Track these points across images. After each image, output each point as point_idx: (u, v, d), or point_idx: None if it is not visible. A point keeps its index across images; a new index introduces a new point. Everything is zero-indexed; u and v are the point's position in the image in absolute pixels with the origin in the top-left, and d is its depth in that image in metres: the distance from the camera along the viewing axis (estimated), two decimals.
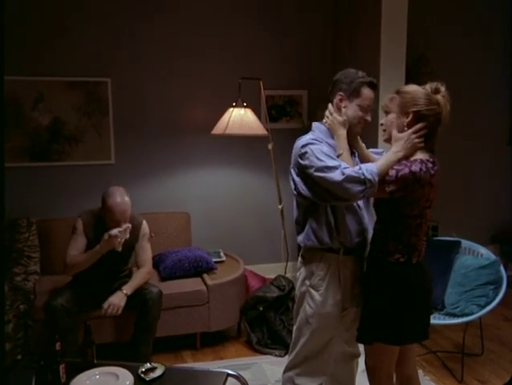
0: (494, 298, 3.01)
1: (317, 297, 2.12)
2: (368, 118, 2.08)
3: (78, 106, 3.83)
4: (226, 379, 2.18)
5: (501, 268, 3.12)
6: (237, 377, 2.25)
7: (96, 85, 3.85)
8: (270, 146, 3.81)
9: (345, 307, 2.13)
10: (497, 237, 4.89)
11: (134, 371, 2.13)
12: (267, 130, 3.77)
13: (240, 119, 3.62)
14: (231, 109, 3.67)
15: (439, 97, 1.93)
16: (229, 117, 3.63)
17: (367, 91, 2.05)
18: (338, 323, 2.14)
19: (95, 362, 2.21)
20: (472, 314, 3.01)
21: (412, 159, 1.92)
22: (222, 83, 4.07)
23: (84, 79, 3.82)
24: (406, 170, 1.85)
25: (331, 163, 1.93)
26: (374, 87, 2.06)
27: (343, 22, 4.27)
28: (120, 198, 2.87)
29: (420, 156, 1.93)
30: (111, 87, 3.89)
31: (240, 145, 4.17)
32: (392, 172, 1.87)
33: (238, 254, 3.95)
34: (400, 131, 1.95)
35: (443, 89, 1.95)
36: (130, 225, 2.89)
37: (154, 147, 4.06)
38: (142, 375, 2.13)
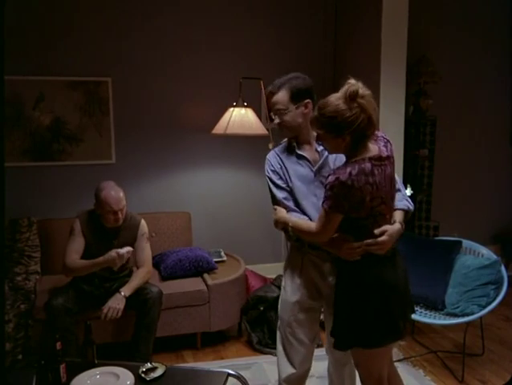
0: (495, 298, 3.00)
1: (282, 283, 2.28)
2: (276, 120, 2.12)
3: (79, 105, 3.83)
4: (227, 379, 2.18)
5: (502, 268, 3.11)
6: (238, 377, 2.25)
7: (97, 85, 3.86)
8: (270, 146, 3.79)
9: (310, 301, 2.17)
10: (498, 237, 4.89)
11: (135, 371, 2.13)
12: (268, 130, 3.77)
13: (240, 118, 3.62)
14: (232, 109, 3.67)
15: (360, 101, 1.78)
16: (230, 117, 3.63)
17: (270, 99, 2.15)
18: (295, 312, 2.19)
19: (96, 361, 2.22)
20: (472, 313, 3.01)
21: (341, 166, 1.85)
22: (223, 83, 4.07)
23: (85, 78, 3.82)
24: (334, 181, 1.79)
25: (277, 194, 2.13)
26: (271, 93, 2.14)
27: (343, 22, 4.27)
28: (113, 189, 2.93)
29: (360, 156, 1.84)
30: (112, 87, 3.89)
31: (241, 145, 4.17)
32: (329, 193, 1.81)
33: (239, 254, 3.95)
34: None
35: (361, 92, 1.79)
36: (132, 249, 2.98)
37: (155, 146, 4.06)
38: (143, 375, 2.13)
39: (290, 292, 2.19)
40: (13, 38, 3.56)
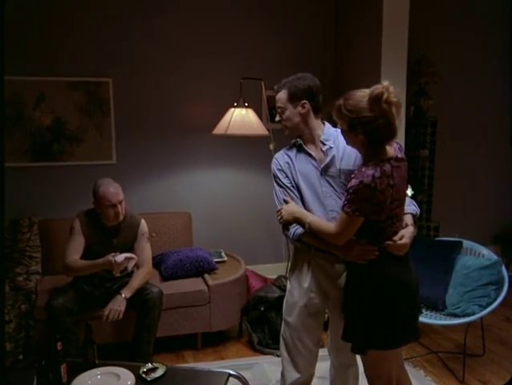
0: (496, 299, 3.00)
1: (288, 286, 2.25)
2: (276, 118, 2.21)
3: (79, 106, 3.83)
4: (227, 379, 2.19)
5: (503, 268, 3.11)
6: (239, 377, 2.25)
7: (98, 85, 3.86)
8: (271, 146, 3.80)
9: (318, 305, 2.15)
10: (498, 237, 4.89)
11: (135, 371, 2.14)
12: (268, 130, 3.77)
13: (241, 119, 3.62)
14: (232, 109, 3.67)
15: (384, 106, 1.75)
16: (231, 117, 3.63)
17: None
18: (303, 316, 2.16)
19: (97, 362, 2.22)
20: (473, 314, 3.01)
21: (363, 169, 1.81)
22: (224, 83, 4.07)
23: (86, 79, 3.82)
24: (359, 184, 1.77)
25: (277, 203, 2.15)
26: (275, 92, 2.22)
27: (344, 23, 4.27)
28: (111, 185, 2.95)
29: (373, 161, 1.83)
30: (113, 87, 3.89)
31: (241, 145, 4.17)
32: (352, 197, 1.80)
33: (239, 254, 3.95)
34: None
35: (387, 97, 1.75)
36: (136, 258, 2.93)
37: (155, 147, 4.06)
38: (143, 375, 2.14)
39: (298, 296, 2.16)
40: (13, 38, 3.56)
